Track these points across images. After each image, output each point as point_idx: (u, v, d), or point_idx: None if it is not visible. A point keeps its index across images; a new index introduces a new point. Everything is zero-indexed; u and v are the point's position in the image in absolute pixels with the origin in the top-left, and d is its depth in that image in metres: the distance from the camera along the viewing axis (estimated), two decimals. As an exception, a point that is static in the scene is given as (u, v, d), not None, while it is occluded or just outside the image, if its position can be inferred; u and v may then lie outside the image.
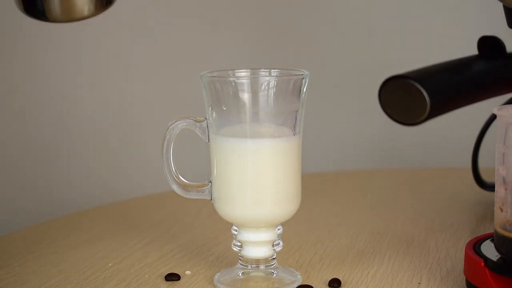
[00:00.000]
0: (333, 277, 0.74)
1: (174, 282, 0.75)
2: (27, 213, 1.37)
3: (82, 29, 1.39)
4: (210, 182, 0.74)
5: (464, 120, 1.27)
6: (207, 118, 0.72)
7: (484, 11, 1.39)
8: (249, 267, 0.74)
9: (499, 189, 0.68)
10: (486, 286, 0.67)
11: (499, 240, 0.68)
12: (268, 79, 0.71)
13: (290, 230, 0.86)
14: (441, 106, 0.92)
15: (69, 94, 1.45)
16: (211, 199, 0.74)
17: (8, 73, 1.38)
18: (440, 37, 1.45)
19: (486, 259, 0.67)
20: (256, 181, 0.71)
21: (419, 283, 0.74)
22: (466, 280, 0.70)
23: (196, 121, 0.73)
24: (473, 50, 0.95)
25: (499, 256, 0.68)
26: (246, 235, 0.73)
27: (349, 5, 1.46)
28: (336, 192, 1.08)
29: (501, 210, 0.68)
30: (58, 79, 1.43)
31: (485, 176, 0.98)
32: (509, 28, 0.79)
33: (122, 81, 1.39)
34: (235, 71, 0.73)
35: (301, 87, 0.71)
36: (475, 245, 0.71)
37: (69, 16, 0.75)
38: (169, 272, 0.77)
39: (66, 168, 1.41)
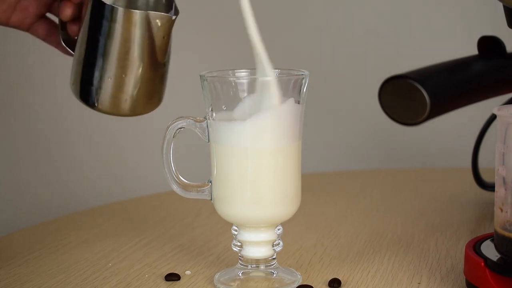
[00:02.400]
0: (333, 277, 0.74)
1: (174, 282, 0.75)
2: (27, 213, 1.37)
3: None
4: (210, 182, 0.74)
5: (464, 120, 1.27)
6: (207, 118, 0.72)
7: (484, 11, 1.39)
8: (249, 267, 0.74)
9: (499, 189, 0.68)
10: (486, 286, 0.67)
11: (499, 240, 0.68)
12: (268, 79, 0.71)
13: (290, 230, 0.86)
14: (441, 106, 0.92)
15: (68, 94, 1.45)
16: (211, 199, 0.74)
17: (9, 72, 1.38)
18: (440, 37, 1.45)
19: (486, 259, 0.67)
20: (256, 181, 0.71)
21: (419, 283, 0.74)
22: (466, 280, 0.70)
23: (196, 121, 0.73)
24: (473, 50, 0.95)
25: (499, 256, 0.68)
26: (246, 235, 0.73)
27: (349, 5, 1.46)
28: (336, 192, 1.08)
29: (501, 210, 0.68)
30: (58, 78, 1.42)
31: (485, 176, 0.98)
32: (509, 28, 0.79)
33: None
34: (235, 71, 0.73)
35: (301, 87, 0.71)
36: (475, 245, 0.71)
37: (118, 112, 0.80)
38: (169, 272, 0.77)
39: (66, 168, 1.41)
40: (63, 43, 0.83)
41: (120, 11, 0.76)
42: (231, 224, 0.74)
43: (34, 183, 1.39)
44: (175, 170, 0.73)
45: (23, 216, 1.36)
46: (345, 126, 1.51)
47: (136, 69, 0.78)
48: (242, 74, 0.73)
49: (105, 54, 0.77)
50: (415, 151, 1.48)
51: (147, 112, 0.82)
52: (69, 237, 0.90)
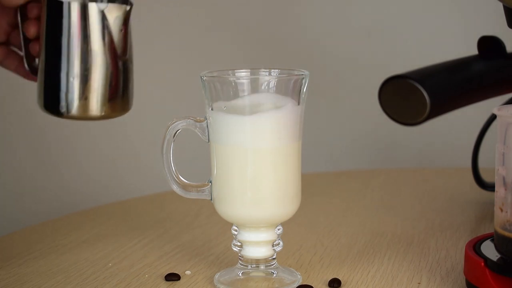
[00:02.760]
0: (333, 277, 0.74)
1: (174, 282, 0.75)
2: (27, 213, 1.37)
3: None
4: (210, 182, 0.74)
5: (464, 120, 1.27)
6: (207, 118, 0.72)
7: (484, 11, 1.39)
8: (249, 267, 0.74)
9: (499, 189, 0.68)
10: (486, 286, 0.67)
11: (499, 240, 0.68)
12: (268, 79, 0.71)
13: (290, 230, 0.86)
14: (441, 106, 0.92)
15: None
16: (211, 199, 0.74)
17: (8, 75, 1.38)
18: (440, 37, 1.45)
19: (486, 259, 0.67)
20: (256, 181, 0.71)
21: (419, 283, 0.74)
22: (466, 280, 0.70)
23: (196, 121, 0.73)
24: (473, 50, 0.95)
25: (499, 256, 0.68)
26: (246, 235, 0.73)
27: (349, 5, 1.46)
28: (336, 192, 1.08)
29: (501, 210, 0.68)
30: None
31: (485, 176, 0.98)
32: (509, 28, 0.79)
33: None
34: (235, 71, 0.73)
35: (301, 87, 0.71)
36: (475, 245, 0.71)
37: (86, 114, 0.79)
38: (169, 272, 0.77)
39: (66, 168, 1.41)
40: (26, 66, 0.83)
41: (74, 5, 0.76)
42: (231, 224, 0.74)
43: (34, 184, 1.39)
44: (175, 170, 0.73)
45: (23, 216, 1.36)
46: (345, 126, 1.50)
47: (97, 65, 0.77)
48: (242, 74, 0.73)
49: (65, 53, 0.77)
50: (415, 151, 1.48)
51: (117, 115, 0.81)
52: (69, 237, 0.90)
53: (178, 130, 0.73)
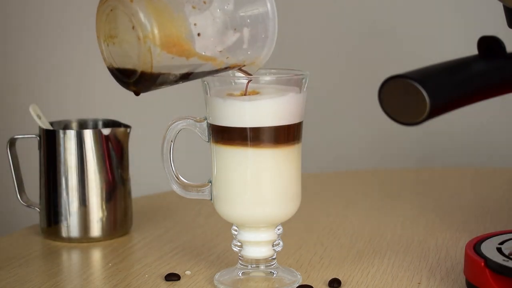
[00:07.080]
0: (333, 277, 0.74)
1: (174, 282, 0.75)
2: (27, 213, 1.37)
3: (86, 30, 1.39)
4: (210, 182, 0.73)
5: (464, 120, 1.27)
6: (207, 118, 0.72)
7: (484, 11, 1.39)
8: (249, 267, 0.74)
9: None
10: (486, 286, 0.67)
11: None
12: (268, 79, 0.71)
13: (290, 230, 0.86)
14: (441, 106, 0.92)
15: (69, 93, 1.45)
16: (211, 199, 0.74)
17: (9, 73, 1.38)
18: (440, 37, 1.45)
19: (486, 259, 0.67)
20: (256, 181, 0.71)
21: (419, 283, 0.74)
22: (466, 280, 0.70)
23: (196, 121, 0.73)
24: (473, 50, 0.95)
25: (499, 255, 0.68)
26: (246, 235, 0.73)
27: (349, 5, 1.46)
28: (336, 192, 1.08)
29: None
30: (60, 78, 1.43)
31: (485, 176, 0.98)
32: (509, 28, 0.79)
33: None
34: (235, 71, 0.73)
35: (301, 87, 0.71)
36: (475, 245, 0.71)
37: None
38: (169, 272, 0.77)
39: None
40: None
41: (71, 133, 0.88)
42: (231, 224, 0.74)
43: (34, 183, 1.39)
44: (175, 170, 0.73)
45: (23, 216, 1.36)
46: (345, 126, 1.50)
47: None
48: (242, 74, 0.73)
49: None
50: (414, 151, 1.48)
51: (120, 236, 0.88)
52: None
53: (178, 130, 0.73)
